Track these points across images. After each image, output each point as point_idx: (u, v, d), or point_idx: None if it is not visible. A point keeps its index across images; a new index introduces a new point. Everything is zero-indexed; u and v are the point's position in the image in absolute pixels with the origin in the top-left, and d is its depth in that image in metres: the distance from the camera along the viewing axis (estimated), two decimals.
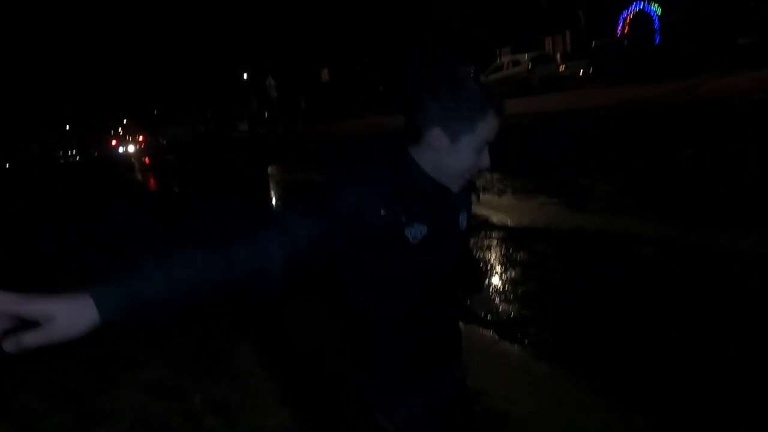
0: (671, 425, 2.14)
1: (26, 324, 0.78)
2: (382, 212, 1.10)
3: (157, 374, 3.23)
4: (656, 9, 17.27)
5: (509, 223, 5.20)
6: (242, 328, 3.73)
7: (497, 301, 3.50)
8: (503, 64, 20.60)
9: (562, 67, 20.26)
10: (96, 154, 67.89)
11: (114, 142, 71.41)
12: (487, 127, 1.10)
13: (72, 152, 77.29)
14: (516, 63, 19.77)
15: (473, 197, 1.34)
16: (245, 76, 44.87)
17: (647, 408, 2.24)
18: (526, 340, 2.94)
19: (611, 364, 2.61)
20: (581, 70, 19.51)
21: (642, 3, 17.82)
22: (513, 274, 3.95)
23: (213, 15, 42.48)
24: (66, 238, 8.33)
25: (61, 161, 63.73)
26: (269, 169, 15.20)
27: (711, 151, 6.57)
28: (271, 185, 12.38)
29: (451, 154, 1.11)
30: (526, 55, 19.85)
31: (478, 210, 5.44)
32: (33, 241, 8.49)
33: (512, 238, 4.74)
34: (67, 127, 79.21)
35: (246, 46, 41.58)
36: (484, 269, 4.11)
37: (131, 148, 57.55)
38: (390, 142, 1.19)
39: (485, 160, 1.14)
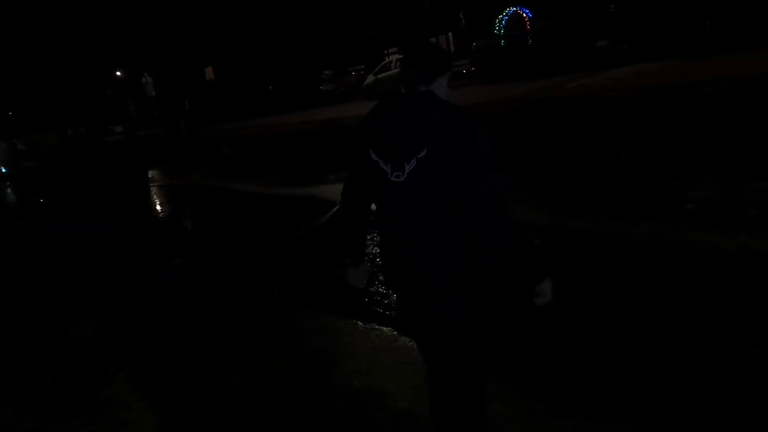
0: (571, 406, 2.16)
1: None
2: None
3: (3, 416, 2.70)
4: (529, 13, 18.52)
5: None
6: (114, 356, 3.26)
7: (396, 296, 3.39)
8: (391, 63, 20.97)
9: None
10: None
11: None
12: None
13: None
14: None
15: None
16: (119, 74, 41.28)
17: (551, 394, 2.25)
18: None
19: (514, 356, 2.60)
20: (464, 70, 20.38)
21: (517, 7, 18.94)
22: None
23: (77, 6, 38.50)
24: None
25: None
26: (150, 174, 14.04)
27: (587, 141, 7.09)
28: (152, 190, 11.41)
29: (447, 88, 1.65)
30: None
31: None
32: None
33: None
34: None
35: (120, 41, 38.22)
36: None
37: None
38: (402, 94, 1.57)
39: None
